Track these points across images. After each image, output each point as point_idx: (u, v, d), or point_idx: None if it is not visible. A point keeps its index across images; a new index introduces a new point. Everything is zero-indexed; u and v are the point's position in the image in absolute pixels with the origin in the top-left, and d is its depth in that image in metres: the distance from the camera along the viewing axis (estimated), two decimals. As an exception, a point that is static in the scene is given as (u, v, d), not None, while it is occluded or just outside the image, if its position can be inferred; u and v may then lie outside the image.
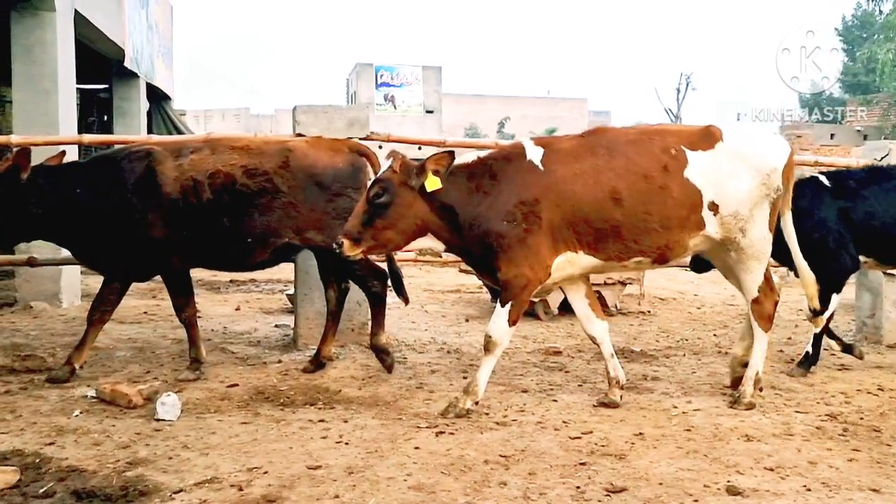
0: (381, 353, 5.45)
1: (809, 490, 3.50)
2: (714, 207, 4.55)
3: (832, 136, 24.49)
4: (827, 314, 5.69)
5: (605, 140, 4.59)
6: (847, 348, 6.10)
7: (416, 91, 49.93)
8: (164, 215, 5.01)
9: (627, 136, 4.64)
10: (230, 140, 5.39)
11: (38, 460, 3.65)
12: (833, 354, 6.20)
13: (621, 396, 4.74)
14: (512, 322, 4.50)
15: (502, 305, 4.49)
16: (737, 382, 4.95)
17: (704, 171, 4.52)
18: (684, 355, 6.26)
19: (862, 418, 4.61)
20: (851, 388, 5.30)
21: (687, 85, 51.17)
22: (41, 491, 3.32)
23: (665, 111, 51.13)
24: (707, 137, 4.61)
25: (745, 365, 4.92)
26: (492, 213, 4.42)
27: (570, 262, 4.54)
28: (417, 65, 50.47)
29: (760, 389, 4.88)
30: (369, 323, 6.51)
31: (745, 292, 4.87)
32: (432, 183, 4.39)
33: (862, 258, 5.76)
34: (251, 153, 5.17)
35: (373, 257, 5.23)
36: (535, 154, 4.53)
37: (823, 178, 5.81)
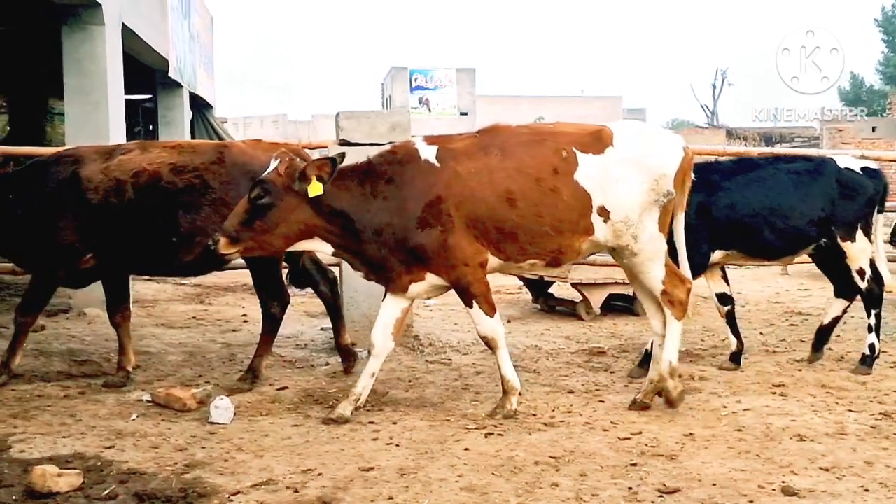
0: (252, 373, 5.23)
1: (867, 490, 3.46)
2: (604, 212, 4.46)
3: (874, 129, 23.91)
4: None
5: (498, 140, 4.51)
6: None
7: (449, 93, 50.00)
8: (85, 219, 5.01)
9: (520, 136, 4.55)
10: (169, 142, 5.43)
11: (99, 463, 3.76)
12: (884, 352, 6.09)
13: (352, 412, 4.46)
14: (489, 313, 4.50)
15: (470, 307, 4.51)
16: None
17: (594, 175, 4.43)
18: (731, 354, 6.19)
19: (917, 417, 4.53)
20: (905, 387, 5.21)
21: (723, 81, 50.61)
22: (104, 493, 3.41)
23: (701, 107, 50.66)
24: (598, 140, 4.51)
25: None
26: (404, 222, 4.35)
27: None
28: (451, 67, 50.55)
29: (681, 376, 4.76)
30: (414, 325, 6.61)
31: (652, 290, 4.73)
32: (315, 189, 4.28)
33: (722, 252, 5.60)
34: (182, 151, 5.14)
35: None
36: (429, 153, 4.45)
37: None
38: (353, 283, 6.08)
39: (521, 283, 8.85)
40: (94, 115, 7.67)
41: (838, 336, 6.91)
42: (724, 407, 4.72)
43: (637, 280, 4.84)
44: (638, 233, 4.50)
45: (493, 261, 4.52)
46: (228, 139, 14.56)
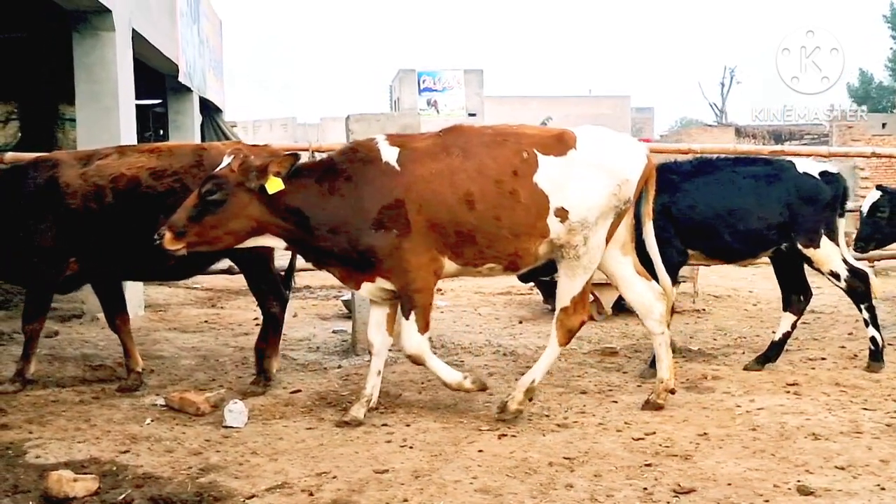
0: (264, 375, 5.23)
1: (884, 489, 3.45)
2: (562, 213, 4.39)
3: (884, 125, 23.85)
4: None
5: (461, 140, 4.45)
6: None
7: (458, 95, 49.99)
8: (64, 225, 4.99)
9: (483, 136, 4.49)
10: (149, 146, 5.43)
11: (114, 468, 3.78)
12: (899, 350, 6.07)
13: (364, 414, 4.48)
14: (423, 329, 4.40)
15: (406, 318, 4.39)
16: None
17: (554, 177, 4.38)
18: (743, 353, 6.19)
19: (933, 415, 4.51)
20: (920, 385, 5.18)
21: (731, 79, 50.47)
22: (120, 498, 3.42)
23: (710, 106, 50.53)
24: (560, 143, 4.48)
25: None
26: (358, 222, 4.31)
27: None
28: (459, 68, 50.55)
29: (531, 399, 4.59)
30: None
31: (557, 298, 4.61)
32: (274, 185, 4.23)
33: (689, 252, 5.60)
34: (161, 155, 5.12)
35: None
36: (390, 154, 4.38)
37: None
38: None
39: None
40: (106, 121, 7.71)
41: (850, 334, 6.89)
42: (738, 406, 4.71)
43: (619, 287, 4.85)
44: (589, 236, 4.45)
45: (450, 265, 4.47)
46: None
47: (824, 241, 5.57)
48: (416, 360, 4.51)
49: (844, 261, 5.64)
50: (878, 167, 20.11)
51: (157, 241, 4.24)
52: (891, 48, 45.64)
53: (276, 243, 4.50)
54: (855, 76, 45.27)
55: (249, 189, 4.27)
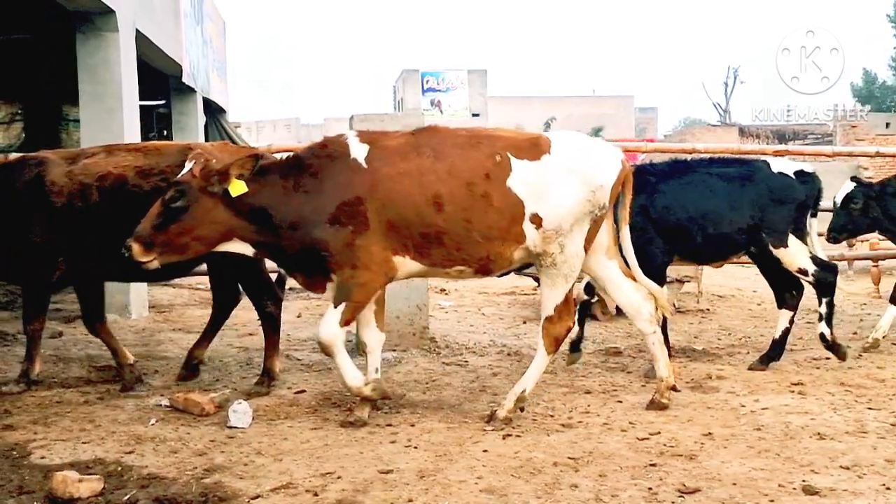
0: (268, 375, 5.26)
1: (889, 489, 3.44)
2: (536, 220, 4.33)
3: (887, 125, 23.80)
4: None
5: (434, 140, 4.39)
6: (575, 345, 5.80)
7: (461, 95, 50.05)
8: (50, 224, 4.97)
9: (456, 138, 4.43)
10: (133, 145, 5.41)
11: (119, 468, 3.78)
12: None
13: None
14: (344, 323, 4.32)
15: (335, 306, 4.31)
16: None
17: (528, 182, 4.32)
18: (748, 353, 6.18)
19: (938, 415, 4.50)
20: (925, 384, 5.17)
21: (735, 79, 50.43)
22: (125, 498, 3.43)
23: (713, 105, 50.49)
24: (534, 147, 4.42)
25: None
26: (315, 217, 4.26)
27: (398, 265, 4.43)
28: (462, 69, 50.60)
29: (521, 409, 4.52)
30: (430, 326, 6.61)
31: (541, 308, 4.59)
32: (237, 187, 4.20)
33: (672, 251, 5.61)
34: (148, 154, 5.10)
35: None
36: (359, 152, 4.33)
37: None
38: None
39: (536, 283, 8.85)
40: (109, 122, 7.72)
41: (855, 333, 6.89)
42: (743, 406, 4.71)
43: (607, 290, 4.84)
44: (566, 243, 4.40)
45: (414, 265, 4.42)
46: (243, 144, 14.61)
47: (792, 239, 5.58)
48: (325, 350, 4.43)
49: (813, 257, 5.65)
50: (882, 166, 20.09)
51: (126, 255, 4.20)
52: (894, 48, 45.62)
53: (244, 248, 4.43)
54: (858, 76, 45.27)
55: (213, 193, 4.24)
